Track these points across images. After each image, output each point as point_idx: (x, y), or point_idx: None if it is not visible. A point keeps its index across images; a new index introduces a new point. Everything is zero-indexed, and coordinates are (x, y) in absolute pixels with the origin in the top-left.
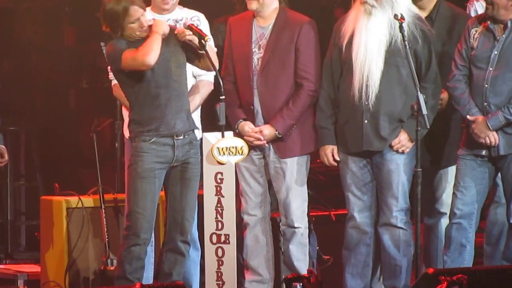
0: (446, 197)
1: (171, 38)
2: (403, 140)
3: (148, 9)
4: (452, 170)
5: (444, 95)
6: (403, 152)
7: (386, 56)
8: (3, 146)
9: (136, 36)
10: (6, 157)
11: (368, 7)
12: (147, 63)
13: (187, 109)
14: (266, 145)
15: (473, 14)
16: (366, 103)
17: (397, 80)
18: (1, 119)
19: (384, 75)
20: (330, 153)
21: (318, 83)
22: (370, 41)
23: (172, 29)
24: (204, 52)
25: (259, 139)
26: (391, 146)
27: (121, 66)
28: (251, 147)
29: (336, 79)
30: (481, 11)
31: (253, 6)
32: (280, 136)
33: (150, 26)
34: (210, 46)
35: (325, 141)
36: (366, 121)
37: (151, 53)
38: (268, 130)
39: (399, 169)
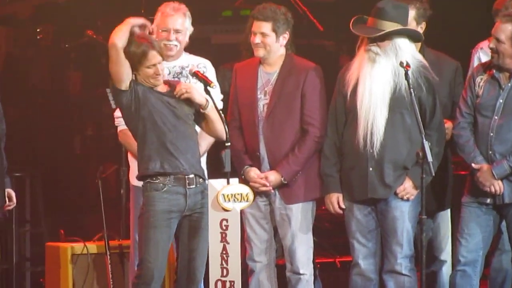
0: (446, 245)
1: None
2: (408, 188)
3: None
4: (447, 217)
5: (448, 125)
6: (408, 199)
7: (390, 104)
8: (11, 190)
9: (149, 83)
10: (14, 200)
11: (372, 55)
12: (112, 44)
13: (195, 152)
14: (272, 191)
15: (476, 61)
16: (371, 150)
17: (401, 127)
18: (7, 164)
19: (389, 123)
20: (336, 201)
21: (324, 129)
22: (374, 89)
23: (208, 85)
24: (205, 112)
25: (264, 185)
26: (396, 194)
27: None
28: (257, 193)
29: (340, 127)
30: (484, 59)
31: (260, 53)
32: (286, 182)
33: (168, 82)
34: (213, 107)
35: (330, 189)
36: (371, 169)
37: (116, 35)
38: (274, 176)
39: (403, 216)
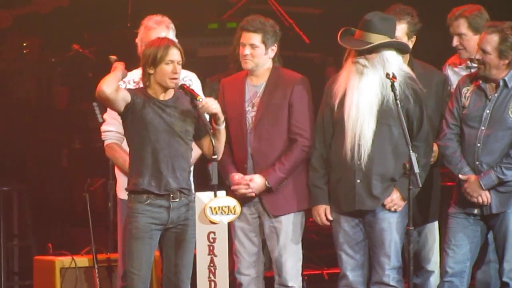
0: (433, 255)
1: (176, 104)
2: (395, 199)
3: (139, 69)
4: (435, 227)
5: (435, 148)
6: (395, 211)
7: (378, 116)
8: None
9: (165, 83)
10: None
11: (359, 67)
12: (100, 90)
13: (185, 170)
14: (253, 194)
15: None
16: (359, 162)
17: (389, 139)
18: None
19: (376, 135)
20: (323, 212)
21: (312, 139)
22: (362, 101)
23: (195, 98)
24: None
25: (247, 185)
26: (383, 205)
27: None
28: (246, 205)
29: (328, 138)
30: (452, 75)
31: (248, 65)
32: (270, 186)
33: (183, 87)
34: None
35: (317, 201)
36: (358, 181)
37: (105, 83)
38: (259, 179)
39: (391, 227)
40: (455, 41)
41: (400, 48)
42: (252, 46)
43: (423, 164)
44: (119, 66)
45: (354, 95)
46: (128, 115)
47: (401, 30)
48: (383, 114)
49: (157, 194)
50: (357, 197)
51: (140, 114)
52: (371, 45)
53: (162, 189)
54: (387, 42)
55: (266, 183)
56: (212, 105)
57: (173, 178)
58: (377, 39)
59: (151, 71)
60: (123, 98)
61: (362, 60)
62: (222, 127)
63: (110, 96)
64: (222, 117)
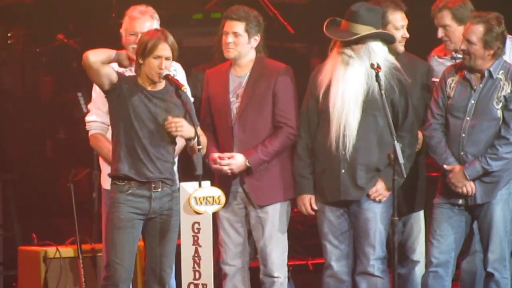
0: (418, 245)
1: (169, 96)
2: (380, 189)
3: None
4: (420, 217)
5: (420, 137)
6: (380, 201)
7: (363, 106)
8: None
9: (151, 76)
10: None
11: (345, 57)
12: (85, 56)
13: (168, 159)
14: (232, 172)
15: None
16: (343, 152)
17: (374, 129)
18: None
19: (361, 125)
20: (308, 202)
21: (298, 128)
22: (347, 91)
23: (179, 88)
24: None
25: (227, 164)
26: (368, 195)
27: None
28: (232, 196)
29: (313, 128)
30: (436, 65)
31: (230, 54)
32: (249, 166)
33: (168, 77)
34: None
35: (303, 190)
36: (343, 171)
37: (93, 51)
38: (240, 157)
39: (376, 217)
40: (440, 33)
41: (386, 38)
42: (235, 34)
43: (408, 154)
44: (121, 52)
45: (339, 85)
46: (114, 98)
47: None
48: (369, 104)
49: (138, 182)
50: (342, 187)
51: (126, 100)
52: (357, 36)
53: (142, 177)
54: (373, 33)
55: (247, 162)
56: (180, 128)
57: (153, 167)
58: (363, 30)
59: (141, 61)
60: (107, 74)
61: (348, 51)
62: (195, 141)
63: (93, 65)
64: (188, 137)
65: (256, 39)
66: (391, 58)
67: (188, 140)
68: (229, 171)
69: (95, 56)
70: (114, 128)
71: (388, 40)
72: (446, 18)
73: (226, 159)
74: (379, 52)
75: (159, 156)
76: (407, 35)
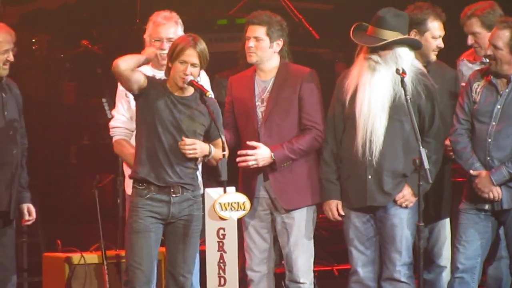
0: (445, 251)
1: (191, 103)
2: (407, 195)
3: (148, 66)
4: (447, 223)
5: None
6: (406, 207)
7: (389, 112)
8: (31, 205)
9: (175, 80)
10: (34, 215)
11: (372, 63)
12: (116, 64)
13: (189, 165)
14: (254, 163)
15: (459, 74)
16: (370, 158)
17: (400, 135)
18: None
19: (388, 131)
20: (335, 207)
21: (325, 132)
22: (374, 97)
23: (204, 94)
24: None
25: (253, 154)
26: (394, 201)
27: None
28: (259, 202)
29: (339, 134)
30: (465, 70)
31: (253, 59)
32: (274, 160)
33: (192, 82)
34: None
35: (330, 196)
36: (370, 177)
37: (123, 59)
38: (265, 149)
39: (402, 223)
40: (470, 40)
41: (413, 44)
42: (257, 38)
43: (434, 160)
44: (149, 50)
45: (366, 91)
46: (141, 101)
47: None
48: (395, 110)
49: (157, 186)
50: (368, 193)
51: (152, 104)
52: (385, 42)
53: (160, 181)
54: (400, 39)
55: (272, 155)
56: (193, 151)
57: (172, 172)
58: (390, 35)
59: (170, 65)
60: (137, 80)
61: (374, 57)
62: (211, 155)
63: (124, 73)
64: (202, 156)
65: (278, 44)
66: (418, 63)
67: (204, 157)
68: (254, 162)
69: (125, 64)
70: (138, 130)
71: (415, 46)
72: (475, 25)
73: (251, 152)
74: (405, 57)
75: (180, 162)
76: (442, 46)
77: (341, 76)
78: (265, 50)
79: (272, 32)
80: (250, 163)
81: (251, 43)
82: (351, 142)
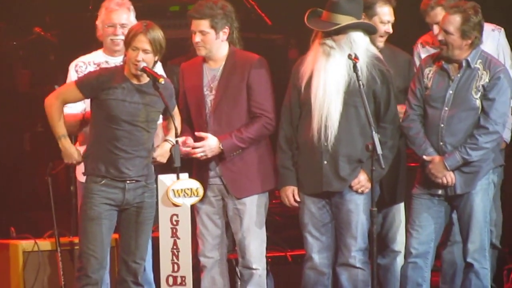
0: (399, 235)
1: (148, 90)
2: (362, 181)
3: (100, 51)
4: (401, 208)
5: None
6: (362, 193)
7: (345, 97)
8: None
9: (130, 68)
10: None
11: (326, 48)
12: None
13: (145, 159)
14: (202, 155)
15: (416, 58)
16: (325, 144)
17: (355, 120)
18: None
19: (343, 116)
20: (291, 194)
21: (275, 118)
22: (328, 82)
23: (157, 80)
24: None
25: (201, 146)
26: (350, 187)
27: None
28: (210, 188)
29: (295, 120)
30: (424, 54)
31: (202, 52)
32: (222, 150)
33: (145, 69)
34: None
35: (286, 182)
36: (325, 162)
37: (50, 111)
38: (213, 140)
39: (358, 209)
40: (436, 29)
41: (367, 29)
42: (202, 32)
43: (391, 145)
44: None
45: (321, 77)
46: (92, 103)
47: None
48: (350, 95)
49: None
50: (324, 179)
51: (105, 100)
52: (338, 26)
53: (120, 176)
54: (354, 23)
55: (220, 145)
56: (159, 155)
57: (132, 166)
58: (344, 20)
59: (126, 52)
60: (73, 101)
61: (329, 42)
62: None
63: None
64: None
65: (225, 32)
66: (373, 48)
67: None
68: (202, 154)
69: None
70: (93, 127)
71: (370, 31)
72: (440, 15)
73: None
74: (360, 42)
75: (138, 155)
76: (391, 31)
77: (297, 62)
78: (212, 42)
79: (216, 23)
80: (198, 155)
81: (198, 38)
82: (307, 128)
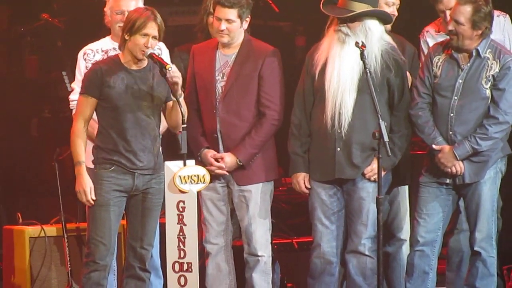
0: (405, 224)
1: (151, 75)
2: (375, 169)
3: (108, 38)
4: (406, 196)
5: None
6: (375, 181)
7: (359, 85)
8: None
9: (135, 53)
10: None
11: (341, 35)
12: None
13: (154, 147)
14: (227, 174)
15: (424, 46)
16: (339, 131)
17: (369, 108)
18: None
19: (357, 103)
20: (302, 180)
21: (282, 113)
22: (343, 69)
23: (164, 67)
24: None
25: (220, 168)
26: (363, 174)
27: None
28: (215, 175)
29: (308, 107)
30: (431, 42)
31: (225, 40)
32: (241, 164)
33: (152, 55)
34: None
35: (297, 168)
36: (338, 149)
37: (71, 136)
38: (230, 158)
39: (369, 197)
40: (449, 16)
41: (383, 17)
42: (229, 21)
43: (405, 134)
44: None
45: (335, 64)
46: (99, 103)
47: None
48: (364, 83)
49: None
50: (337, 166)
51: (108, 94)
52: (354, 13)
53: (131, 168)
54: (369, 11)
55: (238, 161)
56: (175, 74)
57: (142, 156)
58: (360, 7)
59: (127, 37)
60: (93, 110)
61: (344, 29)
62: (180, 99)
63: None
64: (180, 90)
65: (247, 21)
66: (388, 37)
67: (174, 89)
68: (221, 171)
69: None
70: (100, 119)
71: (385, 19)
72: (453, 1)
73: (218, 162)
74: (375, 30)
75: (146, 145)
76: (396, 14)
77: (311, 49)
78: (237, 30)
79: (243, 12)
80: (217, 172)
81: (223, 26)
82: (321, 115)
